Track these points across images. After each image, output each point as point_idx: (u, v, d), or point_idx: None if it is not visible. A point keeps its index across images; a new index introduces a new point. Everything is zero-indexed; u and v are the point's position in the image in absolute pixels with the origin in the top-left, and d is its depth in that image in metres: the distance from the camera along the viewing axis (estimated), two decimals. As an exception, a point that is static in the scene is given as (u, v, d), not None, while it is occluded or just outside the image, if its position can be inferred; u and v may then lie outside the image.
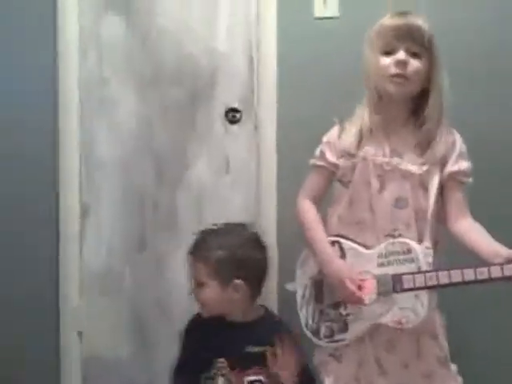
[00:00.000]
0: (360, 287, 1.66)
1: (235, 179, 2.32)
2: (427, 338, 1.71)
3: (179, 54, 2.34)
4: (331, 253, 1.74)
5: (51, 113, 2.41)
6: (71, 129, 2.40)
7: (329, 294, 1.76)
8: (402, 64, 1.66)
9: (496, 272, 1.51)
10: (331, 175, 1.80)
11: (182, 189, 2.34)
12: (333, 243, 1.76)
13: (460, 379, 1.74)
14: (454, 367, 1.75)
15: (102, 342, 2.42)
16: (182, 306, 2.30)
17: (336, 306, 1.75)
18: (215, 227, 2.02)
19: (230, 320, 1.96)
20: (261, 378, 1.92)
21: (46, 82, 2.41)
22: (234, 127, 2.32)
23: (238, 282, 1.91)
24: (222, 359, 1.91)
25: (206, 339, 1.94)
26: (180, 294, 2.33)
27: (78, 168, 2.40)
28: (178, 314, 2.31)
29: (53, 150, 2.41)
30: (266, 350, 1.89)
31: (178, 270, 2.33)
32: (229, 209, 2.29)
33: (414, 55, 1.67)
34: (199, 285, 1.93)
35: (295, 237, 2.17)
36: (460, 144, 1.73)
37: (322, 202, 1.85)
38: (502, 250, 1.55)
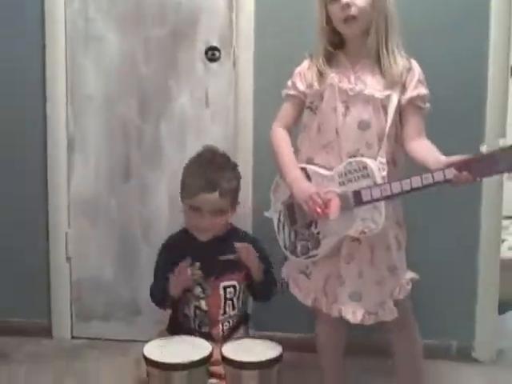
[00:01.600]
0: (326, 204, 1.82)
1: (214, 112, 2.49)
2: (381, 249, 1.89)
3: (162, -7, 2.47)
4: (299, 173, 1.90)
5: (39, 50, 2.53)
6: (58, 65, 2.53)
7: (300, 215, 1.92)
8: (346, 7, 1.81)
9: (438, 176, 1.69)
10: (302, 103, 1.95)
11: (164, 121, 2.51)
12: (300, 170, 1.91)
13: (409, 287, 1.92)
14: (409, 275, 1.93)
15: (89, 265, 2.60)
16: (163, 231, 2.47)
17: (308, 225, 1.92)
18: (212, 158, 2.15)
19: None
20: (234, 283, 2.13)
21: (33, 22, 2.53)
22: (214, 65, 2.47)
23: (239, 202, 2.16)
24: (197, 263, 2.06)
25: (183, 253, 2.10)
26: (161, 219, 2.54)
27: (65, 102, 2.54)
28: (159, 238, 2.44)
29: (41, 86, 2.53)
30: (236, 256, 2.10)
31: (161, 197, 2.53)
32: (209, 139, 2.43)
33: None
34: (218, 213, 2.07)
35: (269, 165, 2.38)
36: (418, 72, 1.88)
37: (294, 128, 2.00)
38: (442, 158, 1.73)
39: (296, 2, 2.38)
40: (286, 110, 1.99)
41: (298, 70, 1.97)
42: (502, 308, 2.55)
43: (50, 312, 2.62)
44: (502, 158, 1.62)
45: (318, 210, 1.82)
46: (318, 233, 1.90)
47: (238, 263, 2.11)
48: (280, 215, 1.99)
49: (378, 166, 1.80)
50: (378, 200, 1.77)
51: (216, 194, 2.04)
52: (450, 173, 1.67)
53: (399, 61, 1.85)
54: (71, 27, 2.52)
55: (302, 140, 1.97)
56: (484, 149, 1.63)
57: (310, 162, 1.93)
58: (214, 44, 2.46)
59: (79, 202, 2.58)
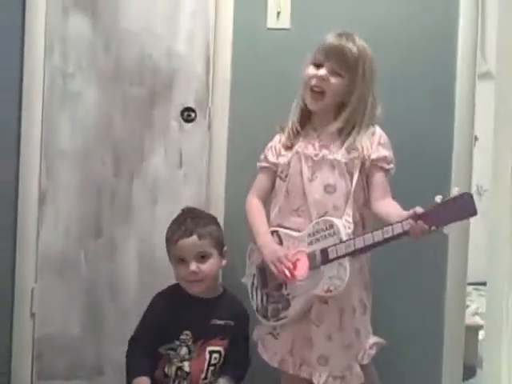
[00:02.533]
0: (294, 265, 1.90)
1: (187, 173, 2.50)
2: (349, 312, 1.93)
3: (141, 54, 2.51)
4: (269, 238, 1.98)
5: (16, 104, 2.53)
6: (34, 119, 2.53)
7: (271, 278, 1.97)
8: (320, 79, 1.93)
9: (397, 228, 1.75)
10: (274, 174, 2.07)
11: (137, 180, 2.51)
12: (272, 233, 2.00)
13: (372, 352, 1.95)
14: (373, 340, 1.97)
15: (54, 322, 2.54)
16: (131, 290, 2.48)
17: (279, 287, 1.97)
18: (189, 212, 2.24)
19: (198, 297, 2.15)
20: (220, 349, 2.14)
21: (12, 75, 2.53)
22: (189, 125, 2.49)
23: (225, 248, 2.21)
24: (187, 331, 2.11)
25: (175, 313, 2.12)
26: (130, 278, 2.51)
27: (39, 156, 2.53)
28: (127, 296, 2.48)
29: (16, 139, 2.53)
30: (227, 323, 2.14)
31: (130, 255, 2.50)
32: (180, 200, 2.45)
33: (337, 74, 1.92)
34: (203, 258, 2.12)
35: (240, 227, 2.40)
36: (379, 136, 1.97)
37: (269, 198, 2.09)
38: (404, 213, 1.79)
39: (271, 70, 2.44)
40: (260, 181, 2.10)
41: (270, 143, 2.10)
42: (466, 373, 2.55)
43: (10, 370, 2.54)
44: (452, 208, 1.68)
45: (286, 272, 1.88)
46: (288, 294, 1.94)
47: (228, 329, 2.14)
48: (254, 279, 2.04)
49: (343, 224, 1.87)
50: (343, 256, 1.83)
51: (194, 238, 2.10)
52: (408, 224, 1.73)
53: (365, 137, 1.94)
54: (49, 82, 2.53)
55: (272, 207, 2.05)
56: (438, 199, 1.68)
57: (280, 226, 2.00)
58: (190, 105, 2.49)
59: (47, 258, 2.54)
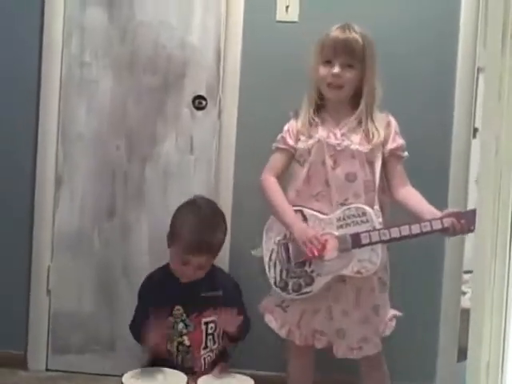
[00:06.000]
0: (323, 246, 1.98)
1: (198, 159, 2.62)
2: (366, 291, 2.04)
3: (155, 45, 2.62)
4: (295, 216, 2.05)
5: (34, 90, 2.65)
6: (52, 105, 2.66)
7: (295, 254, 2.05)
8: (336, 76, 2.03)
9: (437, 225, 1.88)
10: (291, 156, 2.14)
11: (150, 164, 2.63)
12: (296, 212, 2.07)
13: (393, 324, 2.07)
14: (392, 313, 2.08)
15: (68, 299, 2.67)
16: (143, 268, 2.57)
17: (301, 264, 2.05)
18: (205, 213, 2.28)
19: None
20: (215, 318, 2.24)
21: (31, 63, 2.66)
22: (200, 113, 2.61)
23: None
24: (178, 306, 2.20)
25: (163, 291, 2.22)
26: (141, 257, 2.63)
27: (56, 140, 2.66)
28: (139, 274, 2.55)
29: (34, 123, 2.65)
30: (217, 294, 2.23)
31: (142, 236, 2.63)
32: (191, 184, 2.58)
33: (349, 66, 2.03)
34: (204, 266, 2.22)
35: (247, 211, 2.52)
36: (394, 125, 2.08)
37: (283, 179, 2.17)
38: (438, 212, 1.92)
39: (279, 61, 2.54)
40: (276, 161, 2.16)
41: (287, 126, 2.16)
42: (461, 355, 2.61)
43: (27, 344, 2.67)
44: None
45: (315, 252, 1.96)
46: (312, 271, 2.03)
47: (219, 299, 2.23)
48: (272, 254, 2.11)
49: (375, 213, 1.97)
50: (375, 243, 1.93)
51: (203, 258, 2.20)
52: (447, 222, 1.86)
53: (381, 124, 2.04)
54: (67, 70, 2.65)
55: (289, 189, 2.13)
56: None
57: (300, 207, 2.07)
58: (202, 93, 2.60)
59: (63, 237, 2.67)
